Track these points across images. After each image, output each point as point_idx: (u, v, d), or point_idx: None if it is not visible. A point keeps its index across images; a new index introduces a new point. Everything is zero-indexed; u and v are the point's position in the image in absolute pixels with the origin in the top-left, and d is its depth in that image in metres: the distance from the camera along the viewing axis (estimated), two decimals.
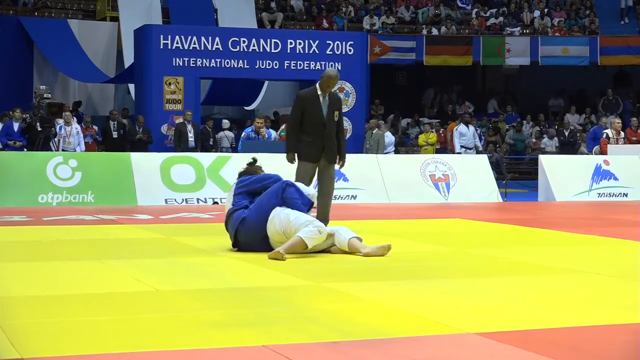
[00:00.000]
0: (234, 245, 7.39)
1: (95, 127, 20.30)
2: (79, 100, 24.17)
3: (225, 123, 21.53)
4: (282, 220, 7.13)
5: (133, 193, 13.26)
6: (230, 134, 20.86)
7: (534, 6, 29.18)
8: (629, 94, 28.61)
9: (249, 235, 7.25)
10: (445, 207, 13.57)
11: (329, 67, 20.82)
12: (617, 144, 17.42)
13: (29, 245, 8.11)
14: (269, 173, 7.68)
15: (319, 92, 8.81)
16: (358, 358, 3.83)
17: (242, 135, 17.22)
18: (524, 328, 4.42)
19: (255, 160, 7.82)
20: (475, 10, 28.83)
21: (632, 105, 27.81)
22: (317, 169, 8.90)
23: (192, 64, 19.94)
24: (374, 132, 19.70)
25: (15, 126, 17.94)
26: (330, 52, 20.89)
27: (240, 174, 7.75)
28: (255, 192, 7.42)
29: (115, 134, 19.79)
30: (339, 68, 20.89)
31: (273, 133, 17.78)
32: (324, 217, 8.66)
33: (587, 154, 19.29)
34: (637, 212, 11.97)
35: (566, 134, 23.34)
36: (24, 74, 24.07)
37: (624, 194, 15.36)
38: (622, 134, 18.08)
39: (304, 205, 7.30)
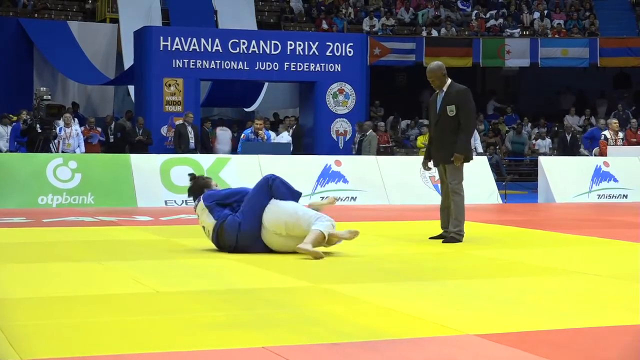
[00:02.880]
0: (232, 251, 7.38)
1: (99, 129, 20.37)
2: (74, 102, 24.14)
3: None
4: (285, 211, 7.12)
5: (133, 194, 13.26)
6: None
7: (533, 8, 29.19)
8: (627, 96, 28.64)
9: (249, 238, 7.24)
10: None
11: (328, 68, 20.87)
12: (615, 144, 17.43)
13: (29, 246, 8.11)
14: (232, 188, 7.61)
15: (437, 90, 8.58)
16: (358, 359, 3.84)
17: (242, 136, 17.25)
18: (524, 329, 4.42)
19: (194, 175, 7.73)
20: (475, 11, 28.84)
21: (630, 107, 27.82)
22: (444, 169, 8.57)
23: (192, 65, 19.96)
24: (367, 133, 19.70)
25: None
26: (330, 54, 20.90)
27: (192, 190, 7.62)
28: (227, 205, 7.36)
29: (112, 138, 19.84)
30: (339, 69, 20.91)
31: (272, 135, 17.79)
32: (454, 219, 8.38)
33: (587, 155, 19.32)
34: (636, 213, 11.97)
35: (568, 138, 23.31)
36: (24, 75, 24.08)
37: (623, 195, 15.35)
38: (620, 134, 18.10)
39: (294, 197, 7.31)
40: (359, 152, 18.92)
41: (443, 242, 8.34)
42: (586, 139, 20.56)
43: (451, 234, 8.39)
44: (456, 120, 8.40)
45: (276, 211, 7.16)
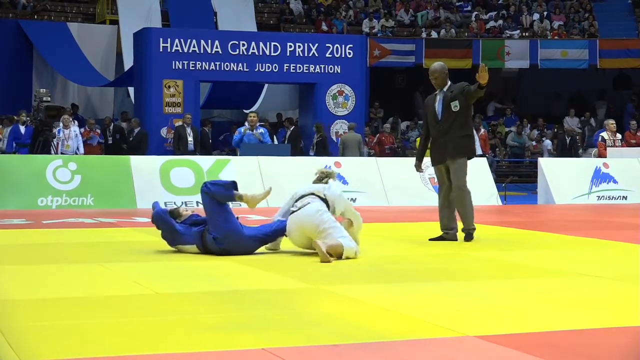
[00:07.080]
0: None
1: (98, 130, 20.35)
2: (73, 103, 24.12)
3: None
4: (324, 221, 7.12)
5: (132, 196, 13.26)
6: None
7: (533, 9, 29.20)
8: (630, 97, 28.66)
9: (231, 243, 7.26)
10: None
11: (328, 70, 20.86)
12: (614, 145, 17.41)
13: (29, 248, 8.11)
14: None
15: (437, 91, 8.59)
16: None
17: (235, 132, 17.20)
18: (524, 331, 4.42)
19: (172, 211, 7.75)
20: (475, 13, 28.85)
21: (633, 108, 27.84)
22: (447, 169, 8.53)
23: (192, 67, 19.95)
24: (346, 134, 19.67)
25: (22, 129, 18.03)
26: (330, 55, 20.89)
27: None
28: (186, 224, 7.52)
29: (110, 140, 19.85)
30: (339, 71, 20.90)
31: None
32: (463, 222, 8.43)
33: (587, 157, 19.27)
34: (636, 215, 11.97)
35: (568, 140, 23.33)
36: (23, 77, 24.07)
37: (623, 196, 15.35)
38: (619, 135, 18.07)
39: (227, 189, 7.33)
40: (317, 154, 18.83)
41: (465, 239, 8.45)
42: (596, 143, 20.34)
43: (467, 231, 8.51)
44: (461, 115, 8.42)
45: (316, 220, 7.13)
